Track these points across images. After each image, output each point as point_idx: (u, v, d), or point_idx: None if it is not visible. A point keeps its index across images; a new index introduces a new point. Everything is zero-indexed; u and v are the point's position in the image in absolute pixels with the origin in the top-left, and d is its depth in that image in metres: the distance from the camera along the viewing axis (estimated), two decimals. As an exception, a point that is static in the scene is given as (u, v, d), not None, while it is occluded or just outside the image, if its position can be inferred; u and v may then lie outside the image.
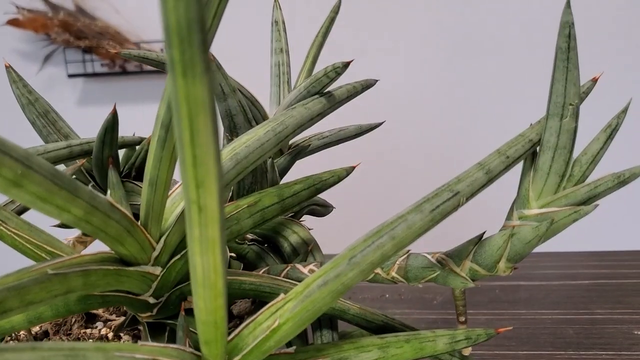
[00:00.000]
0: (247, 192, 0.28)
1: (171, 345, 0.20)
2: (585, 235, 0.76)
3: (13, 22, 1.59)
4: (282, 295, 0.21)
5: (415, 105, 1.40)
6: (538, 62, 1.25)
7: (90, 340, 0.30)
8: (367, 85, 0.30)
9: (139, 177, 0.28)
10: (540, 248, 0.25)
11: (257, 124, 0.28)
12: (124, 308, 0.33)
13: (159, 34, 1.55)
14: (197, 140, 0.14)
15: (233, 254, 0.29)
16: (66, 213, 0.18)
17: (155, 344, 0.19)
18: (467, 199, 0.21)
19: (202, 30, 0.13)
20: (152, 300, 0.23)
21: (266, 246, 0.29)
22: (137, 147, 0.27)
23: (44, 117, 0.28)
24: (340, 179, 0.26)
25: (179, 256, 0.23)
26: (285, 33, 0.35)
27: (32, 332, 0.31)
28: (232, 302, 0.30)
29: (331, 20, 0.41)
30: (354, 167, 0.26)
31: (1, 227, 0.22)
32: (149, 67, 1.58)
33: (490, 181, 0.22)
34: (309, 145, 0.33)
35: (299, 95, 0.29)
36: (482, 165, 0.22)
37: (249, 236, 0.29)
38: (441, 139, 1.41)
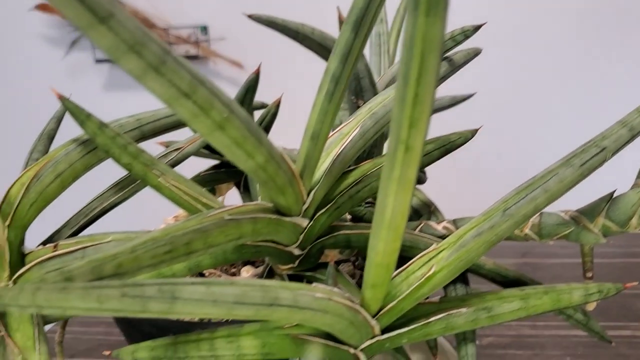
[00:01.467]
0: (366, 156, 0.29)
1: (335, 289, 0.20)
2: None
3: (41, 7, 1.60)
4: (434, 245, 0.22)
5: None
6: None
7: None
8: (476, 52, 0.31)
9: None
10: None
11: (375, 89, 0.29)
12: (232, 269, 0.34)
13: (187, 20, 1.55)
14: (423, 79, 0.15)
15: (349, 216, 0.30)
16: (251, 160, 0.19)
17: (325, 286, 0.20)
18: (613, 154, 0.22)
19: (448, -31, 0.14)
20: (297, 252, 0.24)
21: (379, 209, 0.30)
22: (263, 111, 0.27)
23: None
24: (466, 140, 0.26)
25: (323, 210, 0.24)
26: (384, 2, 0.36)
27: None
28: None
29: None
30: (477, 130, 0.27)
31: (160, 180, 0.23)
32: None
33: (632, 138, 0.23)
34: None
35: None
36: (624, 123, 0.23)
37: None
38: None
